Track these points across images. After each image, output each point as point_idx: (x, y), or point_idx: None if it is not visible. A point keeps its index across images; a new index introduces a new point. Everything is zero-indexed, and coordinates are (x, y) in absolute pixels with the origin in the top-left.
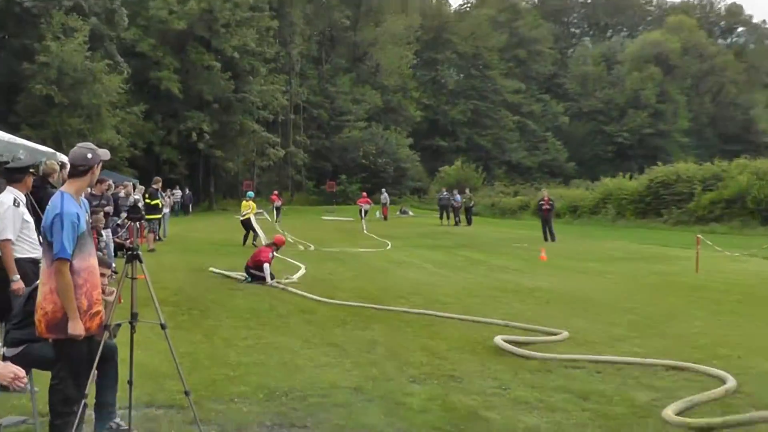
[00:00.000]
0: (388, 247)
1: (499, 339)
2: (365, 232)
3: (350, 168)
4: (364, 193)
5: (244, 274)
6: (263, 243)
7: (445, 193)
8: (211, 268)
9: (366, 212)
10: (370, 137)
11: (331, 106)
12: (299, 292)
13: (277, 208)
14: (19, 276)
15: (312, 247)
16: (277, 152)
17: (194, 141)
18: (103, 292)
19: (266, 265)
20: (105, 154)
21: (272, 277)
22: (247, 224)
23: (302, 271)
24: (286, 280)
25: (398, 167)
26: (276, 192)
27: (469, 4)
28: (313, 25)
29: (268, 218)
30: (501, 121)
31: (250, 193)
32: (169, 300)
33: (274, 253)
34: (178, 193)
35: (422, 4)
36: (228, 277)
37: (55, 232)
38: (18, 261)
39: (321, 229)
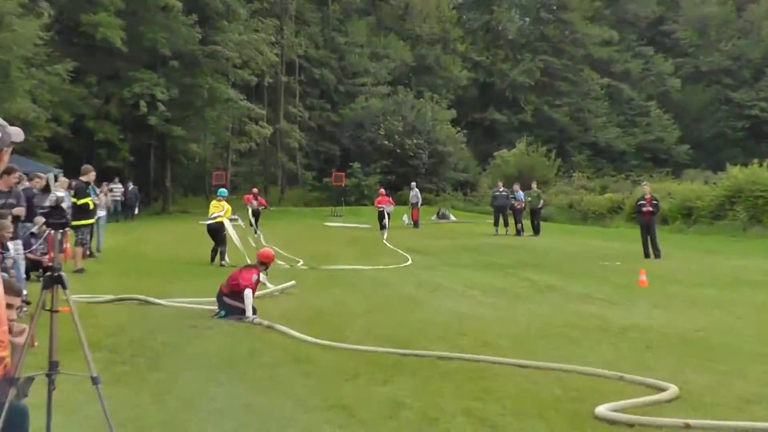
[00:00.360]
0: (408, 262)
1: (602, 409)
2: (385, 243)
3: (366, 153)
4: (382, 190)
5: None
6: (245, 260)
7: (502, 189)
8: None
9: (388, 215)
10: (396, 108)
11: (339, 65)
12: (292, 332)
13: (255, 213)
14: None
15: (301, 263)
16: (261, 130)
17: (143, 114)
18: (10, 330)
19: (248, 292)
20: (17, 133)
21: (254, 311)
22: (217, 233)
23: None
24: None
25: (435, 151)
26: (255, 190)
27: None
28: None
29: (242, 224)
30: (583, 85)
31: (223, 191)
32: (105, 343)
33: (262, 277)
34: (118, 188)
35: None
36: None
37: None
38: None
39: (323, 240)
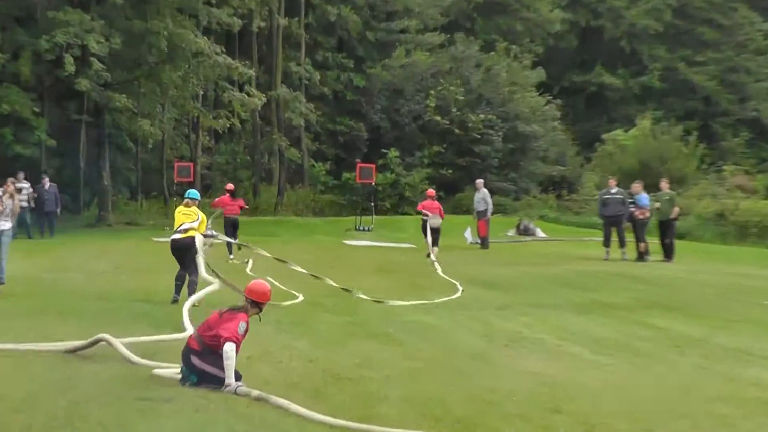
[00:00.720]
0: (458, 294)
1: None
2: (438, 272)
3: (408, 134)
4: (430, 190)
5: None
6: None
7: (615, 189)
8: None
9: (433, 231)
10: (453, 67)
11: (367, 1)
12: (294, 407)
13: (232, 224)
14: None
15: (301, 298)
16: (249, 99)
17: (69, 74)
18: None
19: (229, 349)
20: None
21: (238, 377)
22: (186, 252)
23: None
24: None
25: (514, 132)
26: (230, 187)
27: None
28: None
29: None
30: (736, 33)
31: (193, 192)
32: (11, 421)
33: (248, 323)
34: (24, 187)
35: None
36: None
37: None
38: None
39: (341, 266)
